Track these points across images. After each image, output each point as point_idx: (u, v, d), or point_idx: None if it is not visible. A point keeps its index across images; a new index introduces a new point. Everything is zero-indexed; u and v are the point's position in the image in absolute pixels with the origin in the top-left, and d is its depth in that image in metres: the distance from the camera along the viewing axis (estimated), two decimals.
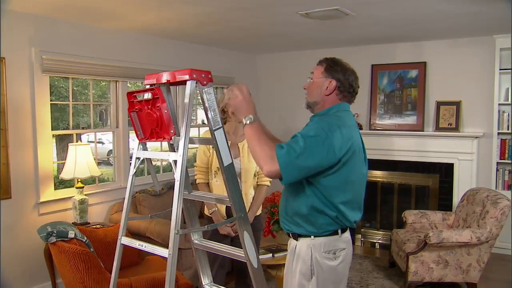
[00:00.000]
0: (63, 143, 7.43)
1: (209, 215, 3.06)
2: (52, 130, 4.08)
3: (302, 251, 2.08)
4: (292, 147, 1.89)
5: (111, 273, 2.24)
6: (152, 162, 2.33)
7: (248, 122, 2.01)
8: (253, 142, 1.98)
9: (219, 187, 2.98)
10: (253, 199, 3.07)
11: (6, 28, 3.58)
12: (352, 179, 2.04)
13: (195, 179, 3.12)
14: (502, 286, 4.22)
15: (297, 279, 2.09)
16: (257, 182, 3.13)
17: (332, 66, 2.11)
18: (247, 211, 2.96)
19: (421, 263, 3.95)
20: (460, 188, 5.23)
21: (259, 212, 3.14)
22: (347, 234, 2.14)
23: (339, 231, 2.09)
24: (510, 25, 4.26)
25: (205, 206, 3.11)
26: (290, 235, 2.16)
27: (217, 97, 2.13)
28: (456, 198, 5.25)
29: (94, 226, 3.82)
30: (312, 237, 2.06)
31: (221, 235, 2.99)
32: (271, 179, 3.14)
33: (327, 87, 2.10)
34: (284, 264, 3.69)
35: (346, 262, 2.14)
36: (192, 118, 1.99)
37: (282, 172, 1.88)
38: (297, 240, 2.12)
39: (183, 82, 1.99)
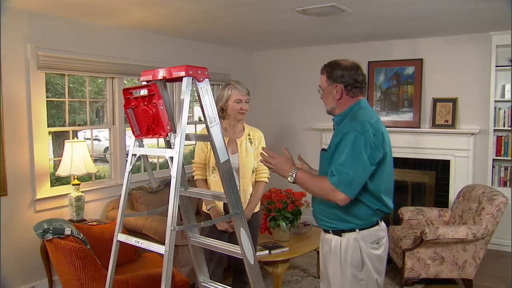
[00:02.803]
0: (59, 140, 7.40)
1: (207, 211, 3.06)
2: (48, 127, 4.06)
3: (350, 245, 2.17)
4: (341, 168, 2.01)
5: (107, 270, 2.24)
6: (149, 159, 2.33)
7: (291, 179, 2.15)
8: (309, 189, 2.15)
9: (217, 183, 2.97)
10: (251, 196, 3.07)
11: (1, 24, 3.56)
12: (387, 169, 2.18)
13: (193, 176, 3.12)
14: (498, 282, 4.24)
15: (349, 272, 2.17)
16: (255, 178, 3.12)
17: (331, 71, 2.22)
18: (245, 207, 2.98)
19: (417, 260, 3.96)
20: (456, 184, 5.25)
21: (257, 209, 3.14)
22: (383, 223, 2.27)
23: (379, 221, 2.23)
24: (506, 22, 4.27)
25: (203, 203, 3.11)
26: (331, 232, 2.24)
27: (214, 94, 2.14)
28: (452, 195, 5.27)
29: (91, 223, 3.81)
30: (357, 230, 2.17)
31: (219, 232, 2.99)
32: (269, 176, 3.15)
33: (336, 92, 2.21)
34: (280, 260, 3.72)
35: (386, 248, 2.28)
36: (188, 115, 1.99)
37: (348, 194, 2.01)
38: (340, 236, 2.19)
39: (180, 79, 1.99)
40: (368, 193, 2.12)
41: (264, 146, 3.15)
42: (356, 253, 2.16)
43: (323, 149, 2.29)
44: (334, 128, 2.30)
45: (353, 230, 2.17)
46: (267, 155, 2.25)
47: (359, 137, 2.02)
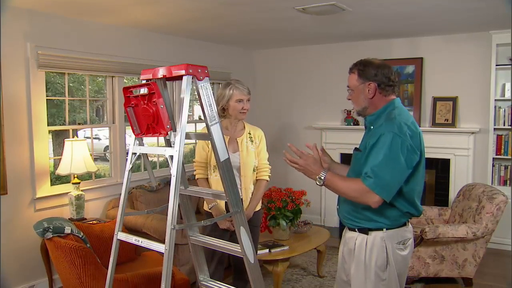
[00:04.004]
0: (59, 139, 7.40)
1: (208, 210, 3.06)
2: (48, 126, 4.06)
3: (376, 244, 2.14)
4: (377, 170, 1.98)
5: (107, 269, 2.24)
6: (149, 157, 2.32)
7: (320, 182, 2.08)
8: (339, 192, 2.10)
9: (218, 182, 2.97)
10: (252, 194, 3.07)
11: (2, 23, 3.56)
12: (421, 171, 2.16)
13: (194, 175, 3.12)
14: (498, 281, 4.24)
15: (373, 271, 2.15)
16: (256, 177, 3.12)
17: (364, 70, 2.17)
18: (247, 206, 2.99)
19: (417, 258, 3.96)
20: (456, 183, 5.25)
21: (258, 207, 3.14)
22: (410, 224, 2.26)
23: (406, 222, 2.21)
24: (506, 21, 4.27)
25: (205, 202, 3.11)
26: (357, 230, 2.21)
27: (214, 93, 2.14)
28: (452, 194, 5.27)
29: (91, 222, 3.82)
30: (385, 229, 2.14)
31: (221, 230, 2.99)
32: (270, 174, 3.15)
33: (368, 91, 2.16)
34: (280, 259, 3.72)
35: (411, 249, 2.27)
36: (188, 113, 1.98)
37: (383, 197, 1.99)
38: (367, 234, 2.17)
39: (180, 77, 1.99)
40: (401, 197, 2.09)
41: (265, 145, 3.16)
42: (381, 252, 2.13)
43: (356, 149, 2.25)
44: (365, 127, 2.26)
45: (380, 229, 2.14)
46: (292, 153, 2.13)
47: (396, 139, 1.99)
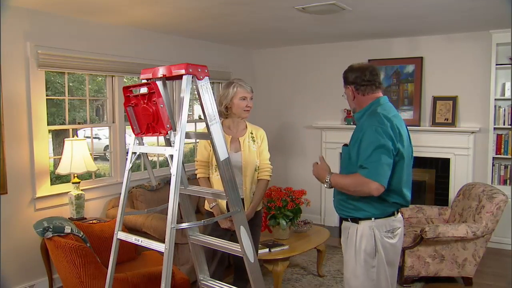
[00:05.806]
0: (59, 138, 7.41)
1: (210, 209, 3.06)
2: (48, 125, 4.06)
3: (365, 232, 2.32)
4: (369, 161, 2.18)
5: (107, 268, 2.24)
6: (148, 157, 2.32)
7: (327, 186, 2.38)
8: (345, 188, 2.31)
9: (219, 181, 2.97)
10: (253, 194, 3.07)
11: (1, 22, 3.56)
12: (407, 162, 2.33)
13: (195, 174, 3.12)
14: (498, 280, 4.24)
15: (362, 258, 2.33)
16: (257, 176, 3.12)
17: (345, 76, 2.46)
18: (248, 205, 2.99)
19: (417, 258, 3.96)
20: (456, 183, 5.25)
21: (260, 207, 3.14)
22: (399, 214, 2.44)
23: (395, 212, 2.38)
24: (506, 20, 4.27)
25: (206, 201, 3.11)
26: (349, 220, 2.40)
27: (214, 93, 2.14)
28: (452, 193, 5.27)
29: (91, 221, 3.81)
30: (373, 219, 2.32)
31: (222, 229, 2.99)
32: (271, 174, 3.16)
33: (350, 93, 2.45)
34: (280, 258, 3.72)
35: (401, 238, 2.44)
36: (188, 113, 1.99)
37: (380, 181, 2.16)
38: (357, 223, 2.35)
39: (180, 77, 1.99)
40: (387, 188, 2.23)
41: (267, 145, 3.17)
42: (370, 240, 2.30)
43: (345, 145, 2.46)
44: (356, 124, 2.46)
45: (369, 218, 2.32)
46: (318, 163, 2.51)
47: (378, 129, 2.19)
